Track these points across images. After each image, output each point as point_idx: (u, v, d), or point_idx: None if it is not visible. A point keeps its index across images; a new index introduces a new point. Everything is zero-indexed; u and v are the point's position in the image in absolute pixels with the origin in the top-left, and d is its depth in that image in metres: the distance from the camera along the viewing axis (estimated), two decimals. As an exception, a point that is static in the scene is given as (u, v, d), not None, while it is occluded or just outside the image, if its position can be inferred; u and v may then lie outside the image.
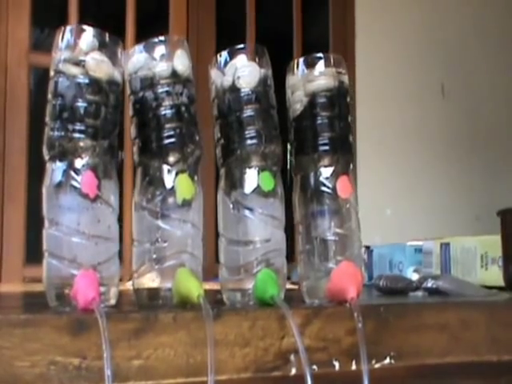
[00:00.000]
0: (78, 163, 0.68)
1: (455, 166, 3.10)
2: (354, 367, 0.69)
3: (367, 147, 2.87)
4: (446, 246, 1.27)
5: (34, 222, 2.48)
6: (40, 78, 2.65)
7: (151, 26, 2.82)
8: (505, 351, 0.76)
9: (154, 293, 0.72)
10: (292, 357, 0.67)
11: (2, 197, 2.45)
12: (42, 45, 2.70)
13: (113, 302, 0.70)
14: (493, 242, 1.13)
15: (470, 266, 1.20)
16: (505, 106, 3.21)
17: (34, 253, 2.43)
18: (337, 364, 0.69)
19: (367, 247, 1.52)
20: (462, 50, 3.19)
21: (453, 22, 3.14)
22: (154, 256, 0.71)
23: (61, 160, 0.68)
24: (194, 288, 0.66)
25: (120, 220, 0.72)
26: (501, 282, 1.07)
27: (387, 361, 0.71)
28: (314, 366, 0.68)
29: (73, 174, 0.68)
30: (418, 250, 1.38)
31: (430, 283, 0.99)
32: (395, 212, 2.97)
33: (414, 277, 1.26)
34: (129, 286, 0.80)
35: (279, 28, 3.00)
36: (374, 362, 0.71)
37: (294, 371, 0.67)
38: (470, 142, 3.15)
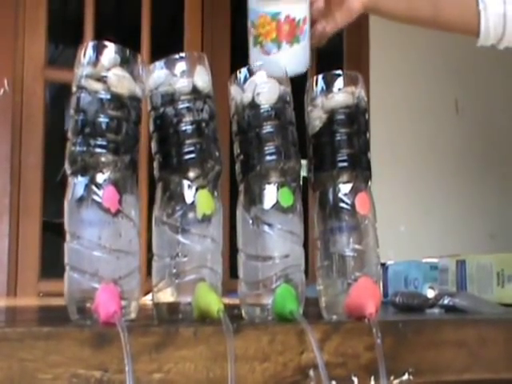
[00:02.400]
0: (100, 178, 0.69)
1: (469, 182, 3.09)
2: (372, 383, 0.69)
3: (381, 163, 2.86)
4: (461, 264, 1.27)
5: (49, 237, 2.50)
6: (56, 93, 2.67)
7: (166, 41, 2.84)
8: (523, 368, 0.76)
9: (173, 307, 0.72)
10: (311, 372, 0.68)
11: (17, 212, 2.47)
12: (58, 60, 2.73)
13: (133, 315, 0.70)
14: (509, 259, 1.13)
15: (486, 284, 1.19)
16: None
17: (48, 268, 2.44)
18: (355, 380, 0.70)
19: (382, 264, 1.51)
20: (475, 65, 3.19)
21: (467, 38, 3.15)
22: (174, 270, 0.72)
23: (82, 175, 0.69)
24: (214, 302, 0.67)
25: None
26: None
27: (406, 377, 0.72)
28: (333, 382, 0.68)
29: (94, 188, 0.68)
30: (434, 267, 1.38)
31: (446, 300, 1.00)
32: (409, 228, 2.97)
33: (430, 294, 1.26)
34: (145, 300, 0.81)
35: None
36: (392, 378, 0.71)
37: (313, 386, 0.68)
38: (484, 158, 3.15)
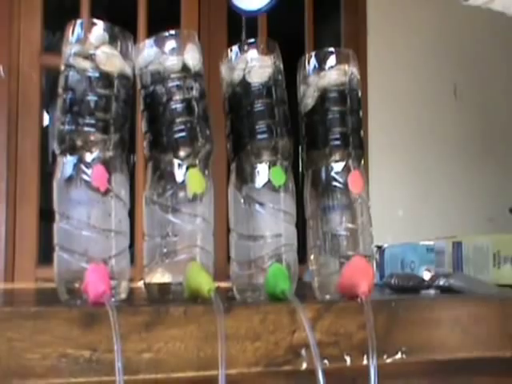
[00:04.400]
0: (89, 157, 0.68)
1: (468, 166, 3.08)
2: (365, 362, 0.69)
3: (379, 148, 2.87)
4: (458, 245, 1.27)
5: (47, 223, 2.49)
6: (52, 79, 2.66)
7: (163, 24, 2.82)
8: (517, 347, 0.76)
9: (164, 287, 0.71)
10: (303, 351, 0.67)
11: (14, 198, 2.46)
12: (54, 47, 2.71)
13: (123, 296, 0.70)
14: (505, 240, 1.13)
15: (482, 265, 1.19)
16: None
17: (46, 254, 2.44)
18: (348, 359, 0.69)
19: (379, 247, 1.51)
20: (474, 50, 3.18)
21: (465, 22, 3.13)
22: (165, 250, 0.71)
23: (71, 154, 0.68)
24: (205, 282, 0.66)
25: (133, 217, 0.72)
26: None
27: (399, 356, 0.71)
28: (325, 361, 0.68)
29: (83, 167, 0.68)
30: (430, 249, 1.37)
31: (442, 281, 0.99)
32: (407, 213, 2.96)
33: (426, 276, 1.26)
34: (140, 284, 0.80)
35: (291, 26, 3.00)
36: (385, 356, 0.70)
37: (304, 365, 0.67)
38: (483, 142, 3.14)
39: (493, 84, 3.20)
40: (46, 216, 2.40)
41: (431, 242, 1.38)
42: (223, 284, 0.92)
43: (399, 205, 2.95)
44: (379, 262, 1.49)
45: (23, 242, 2.46)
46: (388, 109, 2.99)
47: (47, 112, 2.71)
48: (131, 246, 0.73)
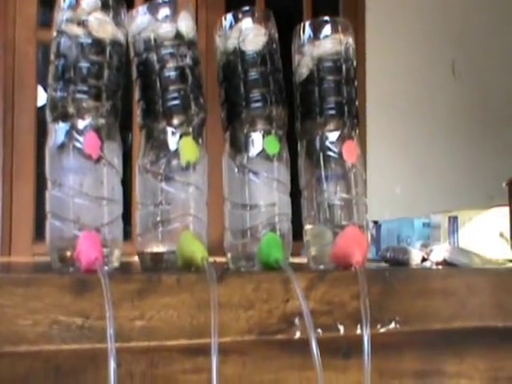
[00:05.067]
0: (81, 124, 0.68)
1: (467, 144, 3.08)
2: (358, 331, 0.68)
3: (377, 125, 2.86)
4: (453, 220, 1.26)
5: (43, 199, 2.48)
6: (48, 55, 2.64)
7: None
8: (510, 317, 0.75)
9: (157, 256, 0.71)
10: (296, 320, 0.67)
11: (10, 175, 2.46)
12: (51, 22, 2.69)
13: (116, 264, 0.69)
14: (501, 214, 1.13)
15: (477, 240, 1.19)
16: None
17: (43, 230, 2.43)
18: (341, 328, 0.69)
19: (375, 222, 1.51)
20: (473, 27, 3.16)
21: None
22: (158, 219, 0.71)
23: (63, 121, 0.68)
24: (198, 251, 0.66)
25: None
26: (509, 256, 1.06)
27: (392, 325, 0.71)
28: (319, 330, 0.67)
29: (75, 134, 0.67)
30: (426, 224, 1.37)
31: (437, 255, 0.99)
32: (405, 191, 2.96)
33: (422, 250, 1.26)
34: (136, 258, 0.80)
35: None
36: (379, 326, 0.70)
37: (298, 334, 0.67)
38: (482, 120, 3.13)
39: (491, 62, 3.19)
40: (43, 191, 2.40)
41: (427, 218, 1.37)
42: (219, 259, 0.92)
43: (397, 182, 2.95)
44: (375, 238, 1.49)
45: (20, 219, 2.45)
46: (386, 86, 2.98)
47: (45, 90, 2.70)
48: (127, 222, 0.72)
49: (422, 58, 3.07)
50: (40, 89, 2.59)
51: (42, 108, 2.59)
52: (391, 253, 1.05)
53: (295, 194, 0.78)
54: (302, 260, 0.85)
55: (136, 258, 0.84)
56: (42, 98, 2.64)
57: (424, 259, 1.01)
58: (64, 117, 0.67)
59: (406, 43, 3.06)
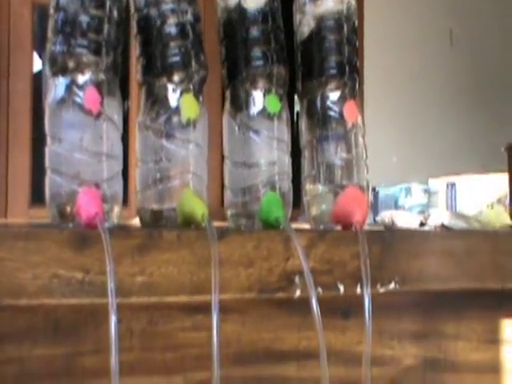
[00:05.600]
0: (81, 79, 0.67)
1: (463, 113, 3.07)
2: (358, 290, 0.68)
3: (373, 94, 2.85)
4: (452, 186, 1.27)
5: (39, 164, 2.48)
6: (45, 18, 2.62)
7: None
8: (508, 279, 0.76)
9: (157, 213, 0.71)
10: (297, 278, 0.67)
11: (6, 140, 2.45)
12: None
13: (116, 221, 0.69)
14: (499, 180, 1.13)
15: (476, 205, 1.19)
16: (514, 53, 3.18)
17: (39, 194, 2.43)
18: (341, 287, 0.69)
19: (373, 189, 1.51)
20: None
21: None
22: (158, 176, 0.70)
23: (63, 75, 0.67)
24: (198, 208, 0.66)
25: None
26: (507, 221, 1.06)
27: (392, 285, 0.71)
28: (319, 289, 0.67)
29: (75, 89, 0.67)
30: (424, 190, 1.37)
31: (435, 219, 0.99)
32: (401, 159, 2.96)
33: (420, 215, 1.26)
34: (136, 222, 0.79)
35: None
36: (378, 286, 0.70)
37: (298, 293, 0.67)
38: (478, 88, 3.12)
39: (489, 30, 3.17)
40: (40, 156, 2.39)
41: (425, 184, 1.38)
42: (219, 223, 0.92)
43: (393, 151, 2.94)
44: (373, 204, 1.50)
45: (16, 183, 2.45)
46: (383, 55, 2.97)
47: (40, 57, 2.67)
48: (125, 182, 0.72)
49: (419, 26, 3.05)
50: (36, 55, 2.57)
51: (38, 74, 2.58)
52: (389, 218, 1.05)
53: (295, 157, 0.78)
54: (300, 226, 0.85)
55: (133, 222, 0.84)
56: (37, 63, 2.62)
57: (422, 224, 1.01)
58: (64, 71, 0.67)
59: (403, 12, 3.04)
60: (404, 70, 3.02)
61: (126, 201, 0.73)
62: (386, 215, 1.01)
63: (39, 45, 2.60)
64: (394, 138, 2.98)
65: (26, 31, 2.50)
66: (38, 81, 2.55)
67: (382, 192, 1.48)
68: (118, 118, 0.69)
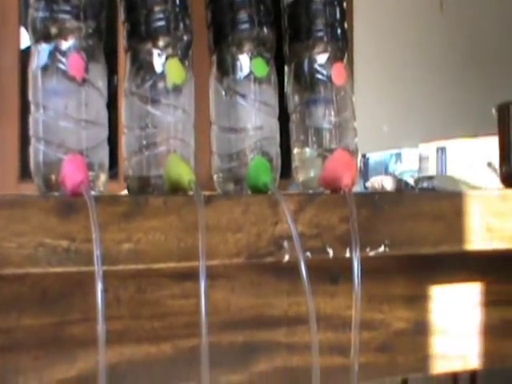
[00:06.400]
0: (64, 45, 0.65)
1: (454, 81, 3.06)
2: (347, 254, 0.68)
3: (363, 62, 2.83)
4: (442, 150, 1.26)
5: (28, 140, 2.46)
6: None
7: None
8: (498, 240, 0.75)
9: (144, 180, 0.70)
10: (285, 243, 0.66)
11: (-5, 113, 2.43)
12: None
13: (102, 189, 0.68)
14: (489, 143, 1.12)
15: (466, 169, 1.19)
16: (505, 20, 3.16)
17: (28, 170, 2.42)
18: (330, 251, 0.68)
19: (363, 155, 1.50)
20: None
21: None
22: (144, 142, 0.69)
23: (46, 42, 0.66)
24: (185, 173, 0.65)
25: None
26: (497, 185, 1.05)
27: (381, 249, 0.70)
28: (308, 253, 0.67)
29: (59, 56, 0.65)
30: (414, 155, 1.37)
31: (425, 183, 0.99)
32: (392, 129, 2.95)
33: (410, 180, 1.25)
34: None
35: None
36: (368, 249, 0.70)
37: (287, 257, 0.66)
38: (468, 57, 3.11)
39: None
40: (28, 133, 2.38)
41: (415, 149, 1.37)
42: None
43: (384, 120, 2.93)
44: (363, 171, 1.49)
45: (5, 157, 2.44)
46: (373, 22, 2.95)
47: (26, 29, 2.65)
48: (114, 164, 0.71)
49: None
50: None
51: (26, 51, 2.56)
52: (379, 183, 1.05)
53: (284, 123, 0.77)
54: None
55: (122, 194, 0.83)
56: (25, 40, 2.60)
57: (412, 188, 1.01)
58: (46, 38, 0.65)
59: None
60: (394, 38, 3.00)
61: (116, 174, 0.72)
62: (375, 180, 1.01)
63: (26, 20, 2.57)
64: (384, 105, 2.96)
65: (13, 7, 2.47)
66: (26, 57, 2.53)
67: (372, 158, 1.48)
68: (102, 84, 0.68)
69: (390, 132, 2.93)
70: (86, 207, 0.58)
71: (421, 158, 1.31)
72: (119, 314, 0.66)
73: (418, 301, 0.79)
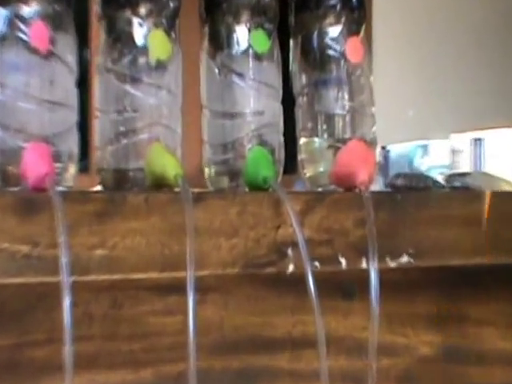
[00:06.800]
0: (26, 11, 0.66)
1: (485, 63, 3.07)
2: (363, 265, 0.68)
3: (384, 35, 2.84)
4: (478, 142, 1.26)
5: None
6: None
7: None
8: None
9: (121, 174, 0.70)
10: (289, 251, 0.67)
11: None
12: None
13: (71, 183, 0.68)
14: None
15: (506, 164, 1.19)
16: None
17: None
18: (343, 261, 0.69)
19: (383, 147, 1.50)
20: None
21: None
22: (122, 129, 0.70)
23: (5, 6, 0.66)
24: (171, 166, 0.65)
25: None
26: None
27: (405, 259, 0.71)
28: (316, 263, 0.67)
29: (19, 23, 0.65)
30: (445, 148, 1.37)
31: (458, 181, 0.99)
32: (418, 116, 2.96)
33: (440, 177, 1.26)
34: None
35: None
36: (388, 259, 0.70)
37: (291, 268, 0.67)
38: (504, 34, 3.12)
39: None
40: None
41: (446, 140, 1.37)
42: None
43: (409, 104, 2.94)
44: (383, 166, 1.49)
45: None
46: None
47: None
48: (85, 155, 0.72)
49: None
50: None
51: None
52: (402, 180, 1.05)
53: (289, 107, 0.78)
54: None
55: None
56: None
57: (443, 187, 1.01)
58: (4, 1, 0.66)
59: None
60: (420, 16, 3.01)
61: (88, 166, 0.72)
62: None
63: None
64: (409, 88, 2.97)
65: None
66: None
67: (394, 151, 1.48)
68: (71, 58, 0.68)
69: (415, 119, 2.94)
70: (51, 205, 0.58)
71: (452, 151, 1.31)
72: (90, 334, 0.66)
73: (448, 322, 0.79)
